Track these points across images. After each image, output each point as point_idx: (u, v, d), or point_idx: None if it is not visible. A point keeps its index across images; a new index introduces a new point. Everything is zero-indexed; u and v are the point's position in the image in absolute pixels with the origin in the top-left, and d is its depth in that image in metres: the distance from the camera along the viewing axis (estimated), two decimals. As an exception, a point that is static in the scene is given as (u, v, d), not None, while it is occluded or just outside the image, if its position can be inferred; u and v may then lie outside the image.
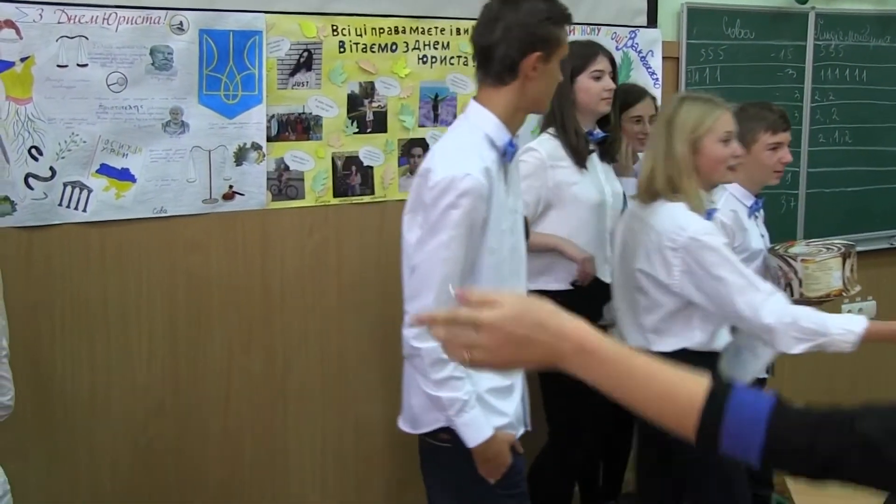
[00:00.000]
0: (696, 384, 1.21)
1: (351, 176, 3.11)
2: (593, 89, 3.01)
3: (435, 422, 2.24)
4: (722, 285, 2.44)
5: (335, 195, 3.09)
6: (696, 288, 2.49)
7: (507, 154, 2.22)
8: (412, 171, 3.19)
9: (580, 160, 2.98)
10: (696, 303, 2.52)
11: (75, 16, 2.59)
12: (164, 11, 2.70)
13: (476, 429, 2.18)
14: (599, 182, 3.05)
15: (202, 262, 2.91)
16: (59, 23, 2.57)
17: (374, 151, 3.14)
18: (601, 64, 3.02)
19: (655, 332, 2.61)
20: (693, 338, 2.58)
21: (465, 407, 2.16)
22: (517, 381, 2.31)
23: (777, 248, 3.04)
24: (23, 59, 2.55)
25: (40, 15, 2.55)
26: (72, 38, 2.59)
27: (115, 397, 2.82)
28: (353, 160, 3.10)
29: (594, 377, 1.22)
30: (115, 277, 2.78)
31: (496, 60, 2.17)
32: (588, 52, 3.03)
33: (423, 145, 3.21)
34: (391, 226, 3.17)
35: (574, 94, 2.99)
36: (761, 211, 3.11)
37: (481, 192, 2.11)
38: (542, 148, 2.96)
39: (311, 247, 3.08)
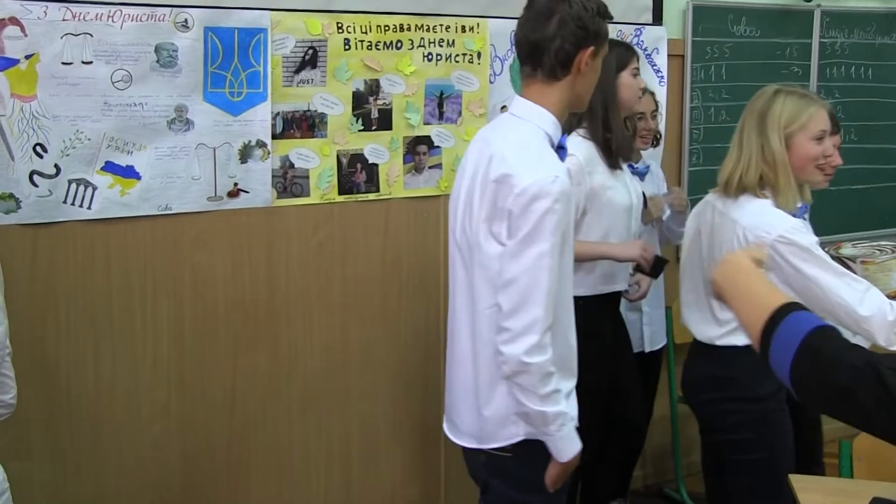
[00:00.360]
0: (779, 298, 1.42)
1: (356, 173, 3.10)
2: (634, 86, 2.97)
3: (513, 436, 2.15)
4: (814, 284, 2.38)
5: (340, 193, 3.09)
6: (784, 284, 2.42)
7: (562, 152, 2.17)
8: (417, 169, 3.19)
9: (616, 163, 2.89)
10: None
11: (80, 13, 2.58)
12: (169, 9, 2.69)
13: (572, 442, 2.12)
14: (627, 184, 2.97)
15: (207, 259, 2.90)
16: (63, 20, 2.56)
17: (379, 149, 3.13)
18: (636, 62, 3.00)
19: (731, 327, 2.54)
20: None
21: (566, 420, 2.09)
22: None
23: (827, 250, 3.00)
24: (27, 57, 2.54)
25: (45, 12, 2.54)
26: (76, 35, 2.58)
27: (120, 396, 2.81)
28: (358, 158, 3.10)
29: (728, 287, 1.55)
30: (119, 275, 2.77)
31: (550, 55, 2.09)
32: (627, 49, 3.01)
33: (429, 143, 3.20)
34: (396, 223, 3.19)
35: (617, 91, 2.92)
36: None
37: (570, 194, 2.06)
38: (579, 152, 2.82)
39: (316, 244, 3.07)
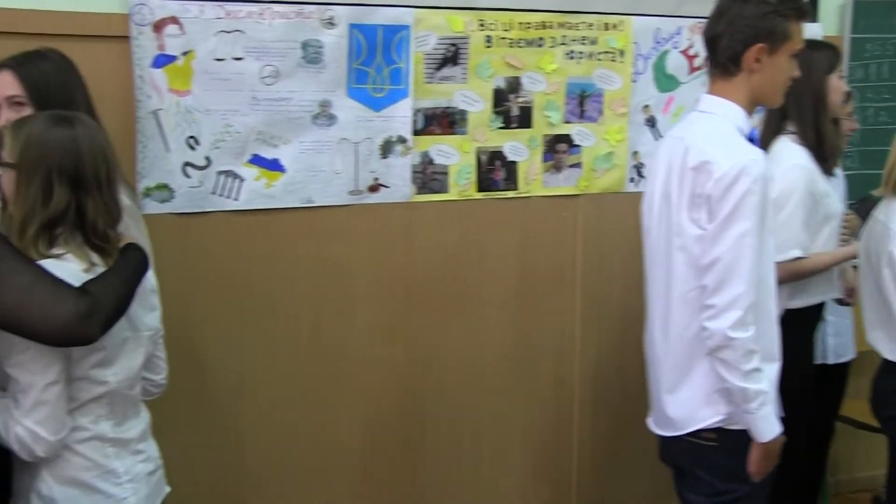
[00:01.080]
0: None
1: (495, 171, 3.11)
2: (840, 89, 2.90)
3: (713, 415, 2.23)
4: None
5: (479, 190, 3.10)
6: None
7: (752, 144, 2.25)
8: (556, 168, 3.18)
9: (829, 168, 2.85)
10: None
11: (233, 11, 2.69)
12: (317, 6, 2.77)
13: (772, 423, 2.19)
14: (837, 189, 2.92)
15: (347, 252, 2.96)
16: (218, 18, 2.67)
17: (519, 147, 3.13)
18: (842, 64, 2.95)
19: None
20: None
21: (767, 400, 2.16)
22: None
23: None
24: (184, 53, 2.66)
25: (202, 11, 2.66)
26: (229, 32, 2.69)
27: (261, 381, 2.91)
28: (497, 155, 3.11)
29: None
30: (263, 265, 2.86)
31: (720, 51, 2.24)
32: (834, 52, 2.92)
33: (568, 141, 3.18)
34: (534, 221, 3.18)
35: (828, 94, 2.85)
36: None
37: (767, 178, 2.16)
38: (801, 159, 2.78)
39: (454, 240, 3.10)
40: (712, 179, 2.12)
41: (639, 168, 3.29)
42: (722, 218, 2.11)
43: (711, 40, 2.26)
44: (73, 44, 2.39)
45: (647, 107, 3.27)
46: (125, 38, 2.60)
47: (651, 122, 3.28)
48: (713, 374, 2.19)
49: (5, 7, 2.47)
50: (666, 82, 3.29)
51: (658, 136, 3.28)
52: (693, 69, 3.30)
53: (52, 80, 2.21)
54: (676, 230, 2.22)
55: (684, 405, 2.27)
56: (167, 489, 2.19)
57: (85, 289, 1.83)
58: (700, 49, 3.22)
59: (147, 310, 2.10)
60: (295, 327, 2.93)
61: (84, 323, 1.80)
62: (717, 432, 2.23)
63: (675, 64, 3.28)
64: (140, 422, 2.10)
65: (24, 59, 2.21)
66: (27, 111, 2.13)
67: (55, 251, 1.89)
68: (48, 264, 1.84)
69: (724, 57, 2.23)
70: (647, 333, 2.43)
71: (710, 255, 2.13)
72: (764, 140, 2.80)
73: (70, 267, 1.88)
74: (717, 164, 2.13)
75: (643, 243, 2.43)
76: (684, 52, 3.29)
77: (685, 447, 2.30)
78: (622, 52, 3.20)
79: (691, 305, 2.20)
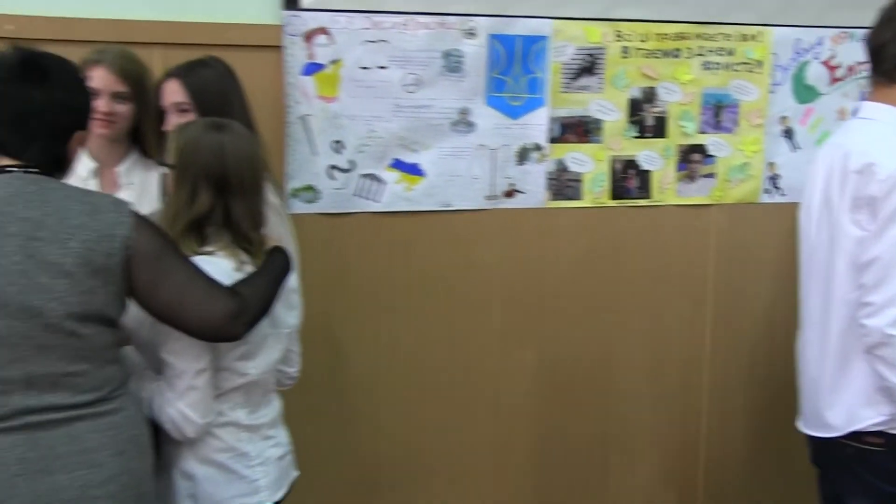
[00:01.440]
0: None
1: (628, 179, 3.15)
2: None
3: (875, 416, 2.22)
4: None
5: (612, 197, 3.14)
6: None
7: None
8: (691, 177, 3.19)
9: None
10: None
11: (379, 22, 2.81)
12: (458, 17, 2.87)
13: None
14: None
15: (482, 255, 3.04)
16: (364, 28, 2.80)
17: (653, 156, 3.15)
18: None
19: None
20: None
21: None
22: None
23: None
24: (332, 62, 2.80)
25: (350, 22, 2.80)
26: (375, 42, 2.82)
27: (395, 377, 3.01)
28: (631, 164, 3.14)
29: None
30: (401, 265, 2.97)
31: (887, 59, 2.24)
32: None
33: (703, 151, 3.19)
34: (666, 230, 3.19)
35: None
36: None
37: None
38: None
39: (587, 246, 3.14)
40: (876, 181, 2.13)
41: (774, 179, 3.26)
42: (883, 217, 2.12)
43: (877, 48, 2.26)
44: (232, 53, 2.56)
45: (784, 118, 3.25)
46: (278, 48, 2.76)
47: (788, 134, 3.26)
48: (873, 373, 2.18)
49: (177, 20, 2.67)
50: (805, 93, 3.26)
51: (795, 147, 3.25)
52: (834, 80, 3.26)
53: (213, 87, 2.38)
54: (838, 234, 2.23)
55: (844, 406, 2.25)
56: (296, 473, 2.28)
57: (235, 290, 1.94)
58: (842, 59, 3.22)
59: (288, 308, 2.21)
60: (430, 326, 3.02)
61: (233, 323, 1.91)
62: (884, 437, 2.21)
63: (816, 75, 3.24)
64: (272, 410, 2.20)
65: (189, 68, 2.39)
66: (190, 117, 2.30)
67: (207, 248, 2.02)
68: (201, 261, 1.96)
69: (890, 64, 2.23)
70: (802, 336, 2.42)
71: (869, 253, 2.14)
72: None
73: (222, 263, 2.00)
74: (882, 165, 2.13)
75: (799, 250, 2.44)
76: (825, 63, 3.25)
77: (851, 452, 2.27)
78: (760, 63, 3.19)
79: (851, 306, 2.20)
